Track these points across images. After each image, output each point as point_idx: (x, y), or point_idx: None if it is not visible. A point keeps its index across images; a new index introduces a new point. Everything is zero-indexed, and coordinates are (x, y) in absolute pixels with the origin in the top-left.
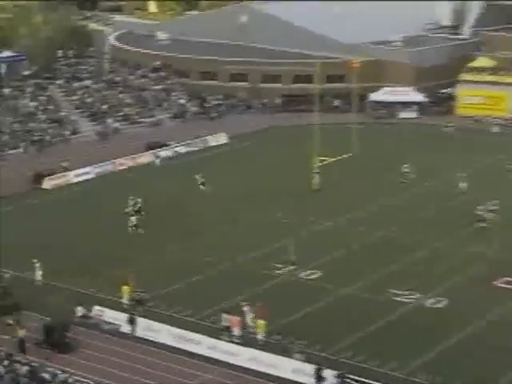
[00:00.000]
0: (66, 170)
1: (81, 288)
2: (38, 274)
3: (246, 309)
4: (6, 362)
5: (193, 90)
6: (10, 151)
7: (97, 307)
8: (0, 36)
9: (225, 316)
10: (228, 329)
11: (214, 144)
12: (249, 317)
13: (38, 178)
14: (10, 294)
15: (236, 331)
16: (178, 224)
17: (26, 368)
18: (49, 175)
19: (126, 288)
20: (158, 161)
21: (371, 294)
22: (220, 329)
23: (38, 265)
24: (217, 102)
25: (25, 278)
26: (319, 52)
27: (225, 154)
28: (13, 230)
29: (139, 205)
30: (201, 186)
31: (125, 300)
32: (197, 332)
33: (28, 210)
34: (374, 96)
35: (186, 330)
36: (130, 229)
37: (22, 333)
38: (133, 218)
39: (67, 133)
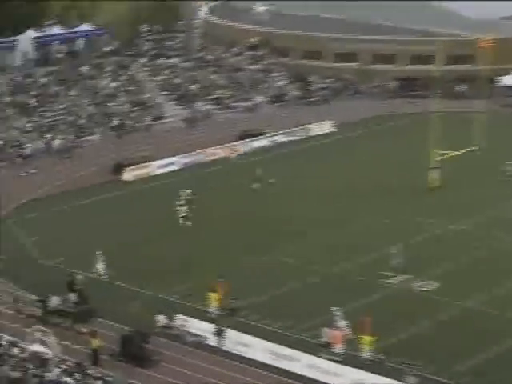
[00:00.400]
0: (149, 159)
1: (161, 293)
2: (101, 267)
3: (337, 314)
4: (77, 376)
5: (294, 71)
6: (87, 137)
7: (180, 316)
8: (78, 8)
9: (325, 330)
10: (329, 345)
11: (317, 133)
12: (341, 326)
13: (118, 168)
14: (84, 298)
15: (338, 348)
16: (273, 224)
17: (99, 383)
18: (129, 166)
19: (213, 295)
20: (234, 156)
21: (497, 310)
22: (319, 344)
23: (100, 257)
24: (321, 85)
25: (98, 280)
26: (442, 28)
27: (330, 144)
28: (87, 225)
29: (189, 197)
30: (253, 184)
31: (212, 309)
32: (293, 347)
33: (105, 205)
34: (506, 80)
35: (280, 344)
36: (181, 220)
37: (95, 343)
38: (183, 209)
39: (151, 117)
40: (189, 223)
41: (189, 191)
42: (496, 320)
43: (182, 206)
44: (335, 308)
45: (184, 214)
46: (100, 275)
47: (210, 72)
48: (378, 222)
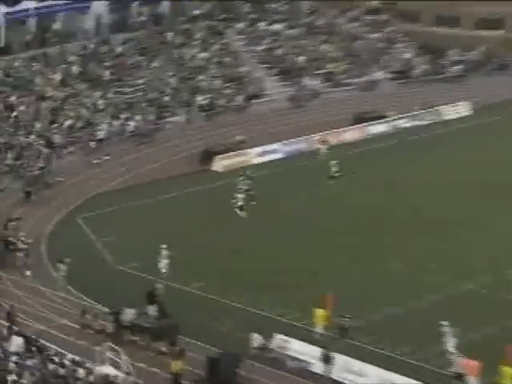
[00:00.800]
0: (244, 146)
1: (256, 307)
2: (163, 264)
3: (447, 330)
4: None
5: (424, 41)
6: (170, 118)
7: (279, 336)
8: None
9: (457, 359)
10: (461, 376)
11: (450, 117)
12: (450, 344)
13: (206, 156)
14: (164, 312)
15: (472, 380)
16: (388, 226)
17: None
18: (220, 153)
19: (320, 312)
20: (323, 149)
21: None
22: (450, 376)
23: (164, 252)
24: (457, 58)
25: (177, 288)
26: None
27: (465, 131)
28: (168, 224)
29: (247, 186)
30: (330, 180)
31: (318, 328)
32: (417, 378)
33: (190, 200)
34: None
35: (398, 373)
36: (237, 210)
37: (177, 365)
38: (240, 196)
39: (247, 95)
40: (243, 214)
41: (248, 180)
42: None
43: (240, 192)
44: (445, 322)
45: (240, 203)
46: (163, 273)
47: (321, 41)
48: None
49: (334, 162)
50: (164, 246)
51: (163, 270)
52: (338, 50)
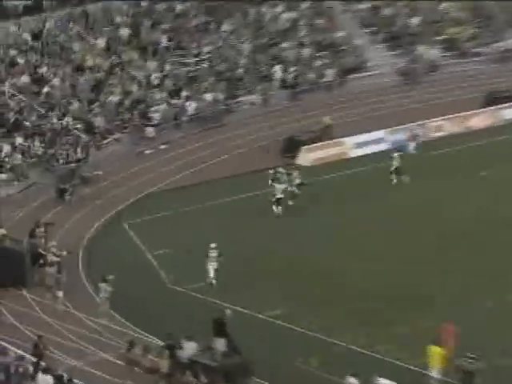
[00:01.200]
0: (338, 134)
1: (350, 342)
2: (211, 270)
3: None
4: None
5: None
6: (243, 98)
7: (382, 380)
8: None
9: None
10: None
11: None
12: None
13: (291, 146)
14: (235, 346)
15: None
16: None
17: None
18: (309, 143)
19: (437, 350)
20: (412, 146)
21: None
22: None
23: (214, 254)
24: None
25: (248, 316)
26: None
27: None
28: (238, 233)
29: (297, 180)
30: (394, 177)
31: (434, 371)
32: None
33: (269, 203)
34: None
35: None
36: (275, 207)
37: None
38: (280, 188)
39: (345, 68)
40: (278, 211)
41: (295, 172)
42: None
43: (280, 183)
44: None
45: (278, 196)
46: (210, 282)
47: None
48: None
49: (396, 154)
50: (213, 245)
51: (210, 276)
52: (463, 10)
